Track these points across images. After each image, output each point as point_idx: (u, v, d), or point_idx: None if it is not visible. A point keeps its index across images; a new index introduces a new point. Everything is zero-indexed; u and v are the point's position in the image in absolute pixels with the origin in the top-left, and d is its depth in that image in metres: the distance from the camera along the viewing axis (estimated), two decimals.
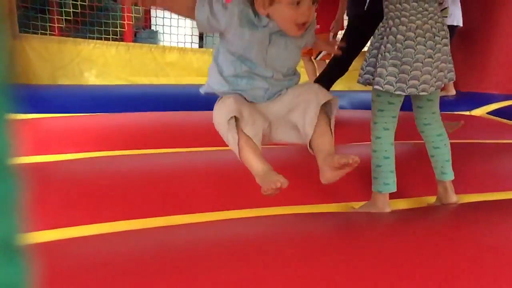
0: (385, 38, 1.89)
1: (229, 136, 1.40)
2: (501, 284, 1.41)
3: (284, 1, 1.33)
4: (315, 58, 3.97)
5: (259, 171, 1.38)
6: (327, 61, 3.97)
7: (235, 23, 1.38)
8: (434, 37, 1.87)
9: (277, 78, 1.49)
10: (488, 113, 3.99)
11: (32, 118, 3.00)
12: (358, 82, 2.04)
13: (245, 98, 1.49)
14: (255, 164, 1.39)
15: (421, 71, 1.85)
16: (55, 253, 1.44)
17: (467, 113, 3.97)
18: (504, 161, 2.69)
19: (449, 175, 2.07)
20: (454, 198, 2.08)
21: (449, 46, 1.94)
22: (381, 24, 1.96)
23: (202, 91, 1.56)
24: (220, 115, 1.41)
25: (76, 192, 1.89)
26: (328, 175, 1.39)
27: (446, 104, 4.02)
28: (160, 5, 1.44)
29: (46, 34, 4.60)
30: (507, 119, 3.77)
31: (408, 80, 1.85)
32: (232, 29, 1.39)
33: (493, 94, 4.17)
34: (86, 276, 1.27)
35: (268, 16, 1.38)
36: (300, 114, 1.45)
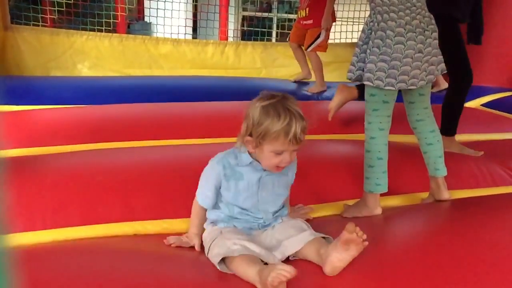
0: (373, 33, 1.88)
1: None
2: (498, 278, 1.42)
3: (268, 150, 1.47)
4: (306, 49, 3.97)
5: (255, 274, 1.31)
6: (318, 53, 3.99)
7: (223, 180, 1.56)
8: (424, 32, 1.87)
9: (267, 218, 1.60)
10: (482, 105, 4.01)
11: (24, 110, 2.98)
12: (350, 78, 2.01)
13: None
14: (250, 270, 1.34)
15: (410, 66, 1.85)
16: (47, 253, 1.43)
17: None
18: (497, 155, 2.70)
19: (442, 171, 2.07)
20: (446, 194, 2.08)
21: (437, 39, 1.94)
22: (369, 19, 1.95)
23: (206, 231, 1.63)
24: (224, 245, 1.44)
25: (69, 185, 1.87)
26: (334, 261, 1.35)
27: (440, 96, 4.03)
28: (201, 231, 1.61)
29: (38, 25, 4.56)
30: (500, 111, 3.79)
31: (398, 76, 1.84)
32: (221, 184, 1.57)
33: (487, 86, 4.18)
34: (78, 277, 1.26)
35: (250, 154, 1.53)
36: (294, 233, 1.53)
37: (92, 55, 4.28)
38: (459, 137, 2.86)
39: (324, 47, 3.94)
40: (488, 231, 1.68)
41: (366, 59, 1.89)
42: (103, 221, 1.73)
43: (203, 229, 1.61)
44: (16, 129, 2.56)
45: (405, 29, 1.84)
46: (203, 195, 1.60)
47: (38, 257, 1.42)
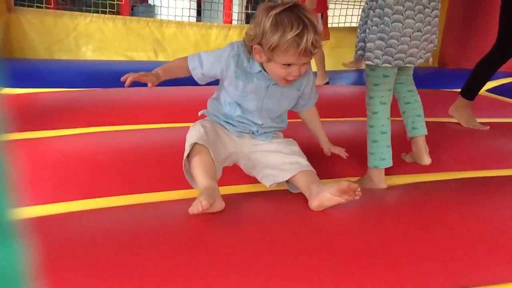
0: (371, 12, 1.86)
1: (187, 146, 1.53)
2: (498, 256, 1.43)
3: (278, 61, 1.45)
4: None
5: (201, 188, 1.44)
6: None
7: (231, 75, 1.55)
8: (424, 9, 1.84)
9: (266, 125, 1.64)
10: (487, 90, 3.97)
11: (28, 93, 2.98)
12: (356, 57, 2.03)
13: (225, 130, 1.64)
14: (200, 180, 1.46)
15: (408, 45, 1.84)
16: (50, 227, 1.44)
17: None
18: (499, 140, 2.69)
19: (421, 130, 2.03)
20: (427, 159, 2.03)
21: (439, 17, 1.92)
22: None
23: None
24: (189, 137, 1.55)
25: (72, 167, 1.88)
26: (324, 199, 1.43)
27: (445, 81, 4.01)
28: (165, 78, 1.58)
29: (42, 7, 4.53)
30: (506, 97, 3.75)
31: (395, 54, 1.83)
32: (228, 78, 1.56)
33: None
34: (81, 250, 1.27)
35: (261, 64, 1.52)
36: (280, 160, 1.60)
37: (96, 37, 4.26)
38: None
39: (325, 35, 3.87)
40: (490, 210, 1.69)
41: (366, 38, 1.88)
42: (103, 195, 1.74)
43: (166, 78, 1.60)
44: (19, 111, 2.56)
45: (403, 7, 1.81)
46: (200, 65, 1.58)
47: (43, 227, 1.44)
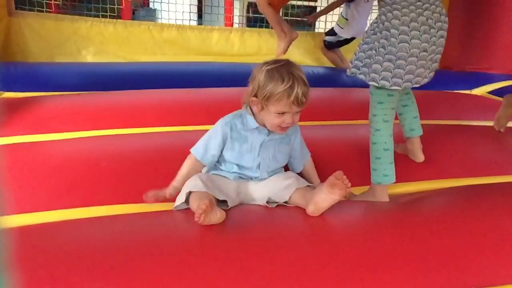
0: (378, 34, 1.87)
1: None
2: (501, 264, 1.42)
3: (272, 110, 1.59)
4: None
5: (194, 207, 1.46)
6: None
7: (229, 141, 1.68)
8: (430, 30, 1.84)
9: (262, 178, 1.72)
10: (489, 92, 3.97)
11: (29, 97, 2.98)
12: (346, 74, 2.04)
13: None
14: (196, 202, 1.45)
15: (415, 65, 1.84)
16: (48, 235, 1.43)
17: (468, 91, 3.95)
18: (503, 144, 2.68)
19: (418, 131, 2.18)
20: (421, 156, 2.20)
21: (445, 37, 1.91)
22: (374, 20, 1.95)
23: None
24: (186, 185, 1.59)
25: (73, 171, 1.88)
26: (318, 201, 1.47)
27: (447, 83, 4.01)
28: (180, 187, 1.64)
29: (42, 11, 4.52)
30: None
31: (404, 75, 1.84)
32: (227, 145, 1.69)
33: (495, 74, 4.14)
34: (78, 258, 1.26)
35: (255, 118, 1.67)
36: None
37: (96, 41, 4.25)
38: (462, 123, 2.83)
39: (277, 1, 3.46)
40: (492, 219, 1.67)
41: (371, 59, 1.87)
42: (107, 203, 1.74)
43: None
44: (20, 115, 2.56)
45: (409, 27, 1.81)
46: (204, 151, 1.69)
47: (40, 234, 1.43)
